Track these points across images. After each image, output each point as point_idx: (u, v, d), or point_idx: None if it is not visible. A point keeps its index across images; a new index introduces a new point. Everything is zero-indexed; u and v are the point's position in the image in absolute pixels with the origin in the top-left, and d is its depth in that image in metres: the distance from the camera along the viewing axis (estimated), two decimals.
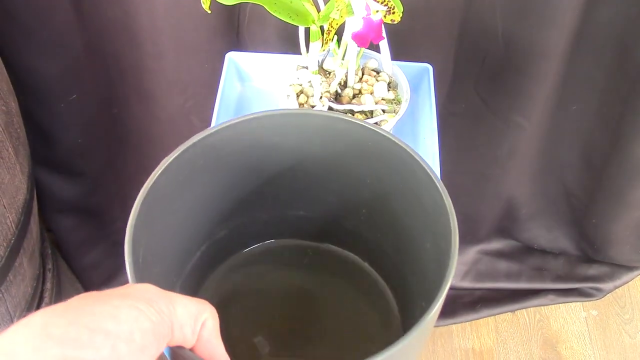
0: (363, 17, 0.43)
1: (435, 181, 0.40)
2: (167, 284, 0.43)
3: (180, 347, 0.31)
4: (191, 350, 0.31)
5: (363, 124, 0.42)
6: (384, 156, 0.43)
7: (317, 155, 0.46)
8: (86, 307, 0.26)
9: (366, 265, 0.54)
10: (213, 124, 0.66)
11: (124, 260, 0.35)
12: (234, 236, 0.51)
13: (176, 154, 0.40)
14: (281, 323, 0.51)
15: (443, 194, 0.39)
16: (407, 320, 0.50)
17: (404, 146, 0.41)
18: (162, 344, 0.28)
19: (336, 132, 0.43)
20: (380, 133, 0.42)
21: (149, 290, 0.29)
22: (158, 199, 0.39)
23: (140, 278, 0.36)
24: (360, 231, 0.51)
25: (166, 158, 0.39)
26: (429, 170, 0.40)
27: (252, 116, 0.42)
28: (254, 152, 0.45)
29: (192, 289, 0.50)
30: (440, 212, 0.40)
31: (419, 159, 0.41)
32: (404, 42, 0.73)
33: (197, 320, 0.31)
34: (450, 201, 0.39)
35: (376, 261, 0.53)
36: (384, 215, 0.48)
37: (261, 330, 0.50)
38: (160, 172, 0.39)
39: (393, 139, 0.41)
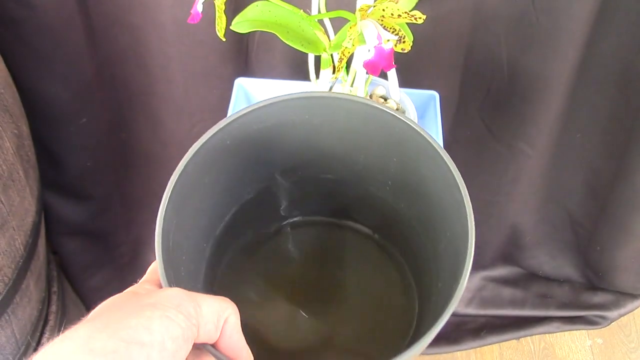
0: (375, 46, 0.44)
1: (456, 177, 0.41)
2: (197, 251, 0.47)
3: (204, 344, 0.33)
4: (215, 345, 0.34)
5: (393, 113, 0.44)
6: (405, 140, 0.45)
7: (342, 133, 0.48)
8: (123, 321, 0.29)
9: (385, 242, 0.56)
10: None
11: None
12: (261, 201, 0.53)
13: (207, 137, 0.42)
14: (300, 287, 0.54)
15: (462, 191, 0.40)
16: (422, 292, 0.52)
17: (426, 136, 0.43)
18: (190, 345, 0.31)
19: (365, 115, 0.45)
20: (403, 120, 0.44)
21: (177, 295, 0.32)
22: (189, 177, 0.42)
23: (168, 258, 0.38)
24: (385, 199, 0.53)
25: (199, 139, 0.42)
26: (451, 168, 0.42)
27: (280, 99, 0.44)
28: (280, 130, 0.47)
29: (217, 259, 0.52)
30: (458, 209, 0.41)
31: (438, 148, 0.43)
32: (411, 70, 0.74)
33: (220, 317, 0.33)
34: (469, 199, 0.40)
35: (396, 239, 0.55)
36: (408, 190, 0.50)
37: (281, 292, 0.53)
38: (195, 151, 0.41)
39: (416, 128, 0.44)
